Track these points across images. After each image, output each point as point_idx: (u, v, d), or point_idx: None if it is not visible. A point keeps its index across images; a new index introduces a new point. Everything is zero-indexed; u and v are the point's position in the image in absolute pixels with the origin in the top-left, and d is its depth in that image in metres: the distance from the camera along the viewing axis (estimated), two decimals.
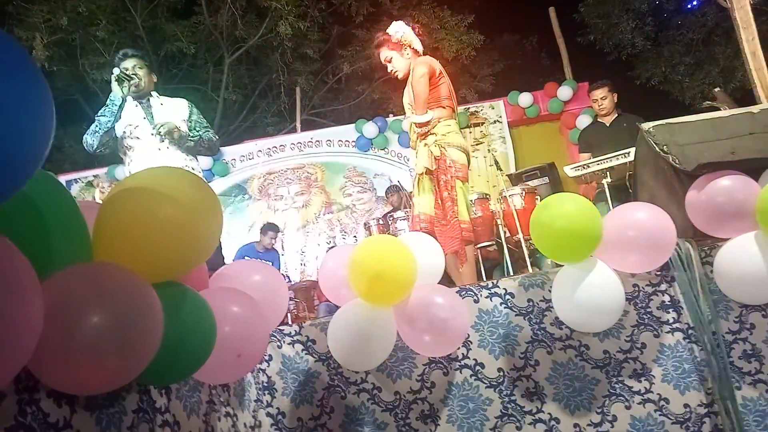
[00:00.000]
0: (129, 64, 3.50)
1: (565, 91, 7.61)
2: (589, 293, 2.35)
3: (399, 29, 3.50)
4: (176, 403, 1.82)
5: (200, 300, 1.67)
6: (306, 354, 2.66)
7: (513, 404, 2.51)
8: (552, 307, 2.54)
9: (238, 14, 10.55)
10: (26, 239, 1.15)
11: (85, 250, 1.43)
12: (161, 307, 1.39)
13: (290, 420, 2.59)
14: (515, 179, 5.66)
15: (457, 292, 2.61)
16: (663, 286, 2.54)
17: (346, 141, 8.00)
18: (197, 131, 3.59)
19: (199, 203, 1.55)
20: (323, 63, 11.94)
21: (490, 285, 2.65)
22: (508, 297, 2.62)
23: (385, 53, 3.55)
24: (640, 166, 3.18)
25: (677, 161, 2.61)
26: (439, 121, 3.39)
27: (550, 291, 2.56)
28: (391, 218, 4.54)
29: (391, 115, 8.37)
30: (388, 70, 3.62)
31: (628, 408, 2.45)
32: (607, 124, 4.75)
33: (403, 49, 3.51)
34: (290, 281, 6.91)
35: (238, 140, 8.89)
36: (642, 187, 3.15)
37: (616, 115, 4.75)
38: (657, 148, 2.71)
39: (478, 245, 4.08)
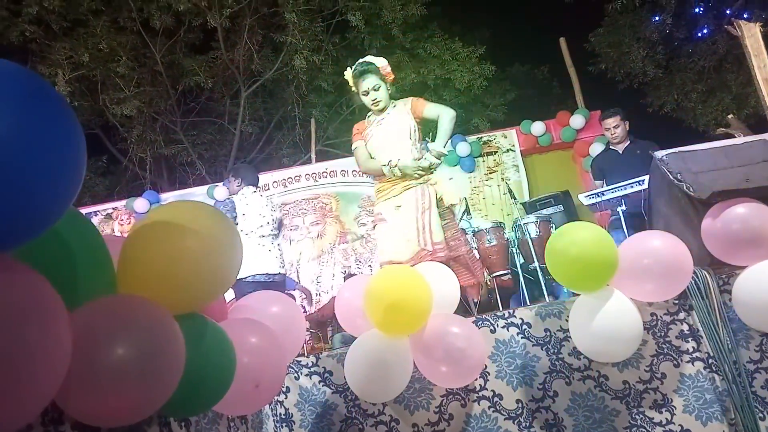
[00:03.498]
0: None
1: (577, 120, 7.61)
2: (607, 322, 2.34)
3: (386, 64, 3.36)
4: None
5: (220, 331, 1.70)
6: (323, 386, 2.66)
7: None
8: (569, 337, 2.52)
9: (254, 49, 10.79)
10: (55, 272, 1.19)
11: (110, 283, 1.46)
12: (183, 338, 1.42)
13: None
14: (529, 207, 5.65)
15: (473, 322, 2.61)
16: (681, 315, 2.52)
17: (360, 171, 8.07)
18: None
19: (219, 236, 1.59)
20: (337, 95, 12.10)
21: (507, 315, 2.65)
22: (525, 327, 2.61)
23: (375, 81, 3.33)
24: (654, 194, 3.18)
25: (691, 189, 2.61)
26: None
27: (567, 320, 2.55)
28: None
29: None
30: (371, 98, 3.34)
31: None
32: (620, 152, 4.76)
33: (388, 83, 3.39)
34: (306, 311, 6.90)
35: None
36: (657, 215, 3.14)
37: (629, 142, 4.76)
38: (671, 176, 2.71)
39: (494, 274, 4.08)
